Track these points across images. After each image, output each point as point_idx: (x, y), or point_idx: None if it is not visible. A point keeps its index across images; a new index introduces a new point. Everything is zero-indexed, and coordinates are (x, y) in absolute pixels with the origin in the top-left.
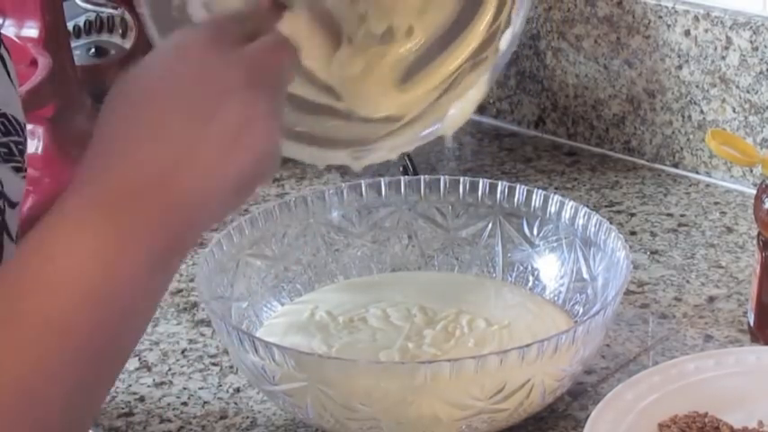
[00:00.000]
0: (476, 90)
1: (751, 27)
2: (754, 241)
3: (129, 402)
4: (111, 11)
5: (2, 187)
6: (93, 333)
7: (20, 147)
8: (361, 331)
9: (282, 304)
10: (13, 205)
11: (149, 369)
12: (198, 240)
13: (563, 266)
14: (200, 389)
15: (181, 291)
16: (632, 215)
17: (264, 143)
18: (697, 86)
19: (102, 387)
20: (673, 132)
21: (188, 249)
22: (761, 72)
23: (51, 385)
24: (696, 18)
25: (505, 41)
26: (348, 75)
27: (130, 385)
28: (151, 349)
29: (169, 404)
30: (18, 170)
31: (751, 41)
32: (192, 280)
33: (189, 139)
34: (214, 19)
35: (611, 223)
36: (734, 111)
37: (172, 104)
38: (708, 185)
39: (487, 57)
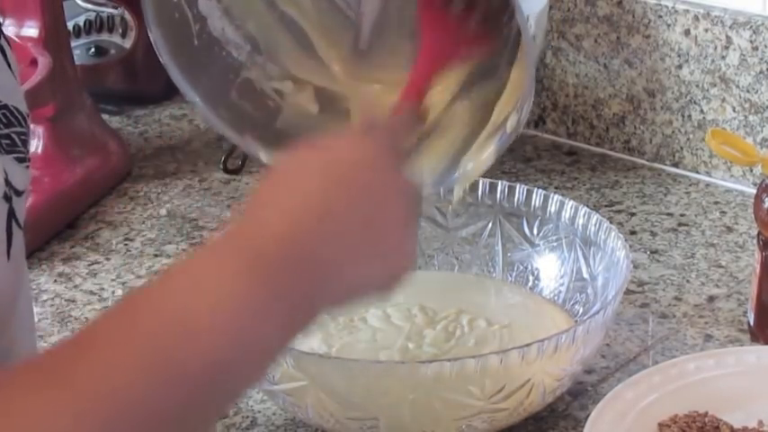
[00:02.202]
0: (479, 164)
1: (751, 27)
2: (754, 241)
3: None
4: (111, 10)
5: (6, 176)
6: (213, 372)
7: (22, 137)
8: (362, 331)
9: None
10: (19, 193)
11: None
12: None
13: (563, 266)
14: None
15: None
16: (632, 215)
17: (399, 265)
18: (697, 86)
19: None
20: (673, 132)
21: (306, 324)
22: (761, 72)
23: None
24: (696, 18)
25: (511, 125)
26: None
27: None
28: None
29: None
30: (21, 160)
31: (751, 41)
32: None
33: (345, 228)
34: (378, 126)
35: (611, 223)
36: (734, 110)
37: (340, 193)
38: (708, 185)
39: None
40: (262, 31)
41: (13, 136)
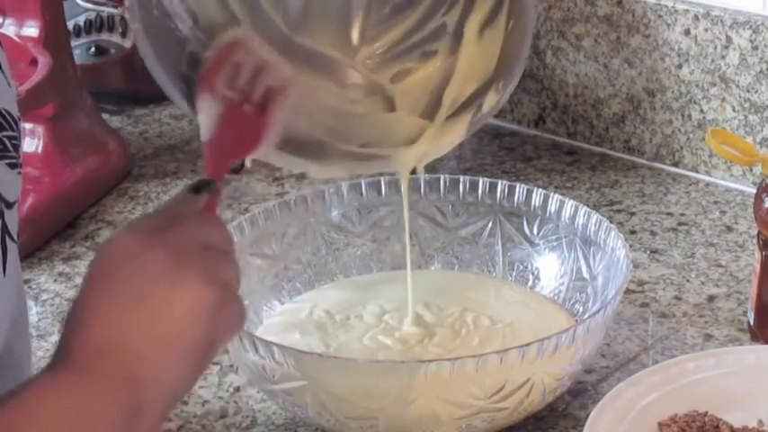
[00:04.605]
0: (450, 138)
1: (751, 26)
2: (754, 240)
3: None
4: (111, 10)
5: None
6: None
7: (14, 142)
8: (360, 329)
9: (282, 303)
10: (10, 205)
11: None
12: (173, 402)
13: (563, 265)
14: (200, 388)
15: None
16: (632, 214)
17: (190, 305)
18: (697, 85)
19: None
20: (672, 131)
21: (159, 407)
22: (761, 71)
23: None
24: (696, 17)
25: (489, 106)
26: None
27: None
28: None
29: None
30: (13, 166)
31: (751, 41)
32: None
33: (124, 314)
34: (137, 220)
35: (611, 222)
36: (734, 110)
37: (107, 289)
38: (708, 184)
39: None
40: (200, 6)
41: (5, 141)
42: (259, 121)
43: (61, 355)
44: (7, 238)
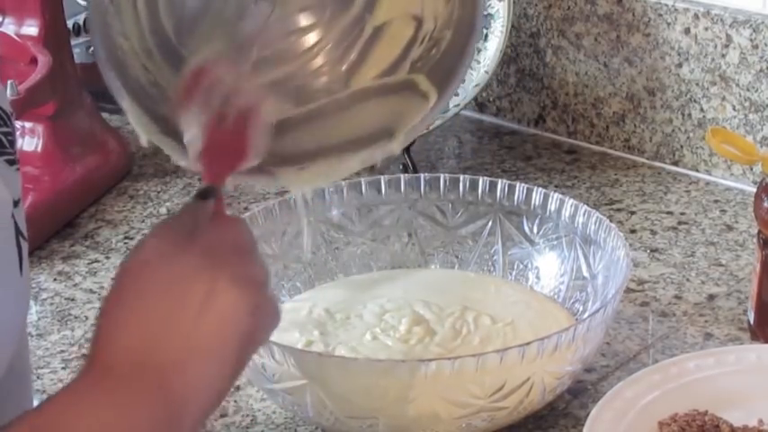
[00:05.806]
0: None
1: (751, 25)
2: (754, 239)
3: None
4: None
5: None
6: None
7: (9, 138)
8: (360, 329)
9: (282, 302)
10: (15, 204)
11: None
12: (213, 406)
13: (563, 264)
14: None
15: None
16: (632, 213)
17: (229, 307)
18: (697, 84)
19: None
20: (673, 130)
21: (198, 414)
22: (761, 70)
23: None
24: (696, 16)
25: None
26: None
27: None
28: None
29: None
30: (11, 163)
31: (751, 39)
32: None
33: (160, 318)
34: (162, 225)
35: (611, 221)
36: (734, 109)
37: (142, 293)
38: (708, 183)
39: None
40: None
41: (1, 137)
42: (242, 138)
43: (95, 361)
44: (20, 238)
